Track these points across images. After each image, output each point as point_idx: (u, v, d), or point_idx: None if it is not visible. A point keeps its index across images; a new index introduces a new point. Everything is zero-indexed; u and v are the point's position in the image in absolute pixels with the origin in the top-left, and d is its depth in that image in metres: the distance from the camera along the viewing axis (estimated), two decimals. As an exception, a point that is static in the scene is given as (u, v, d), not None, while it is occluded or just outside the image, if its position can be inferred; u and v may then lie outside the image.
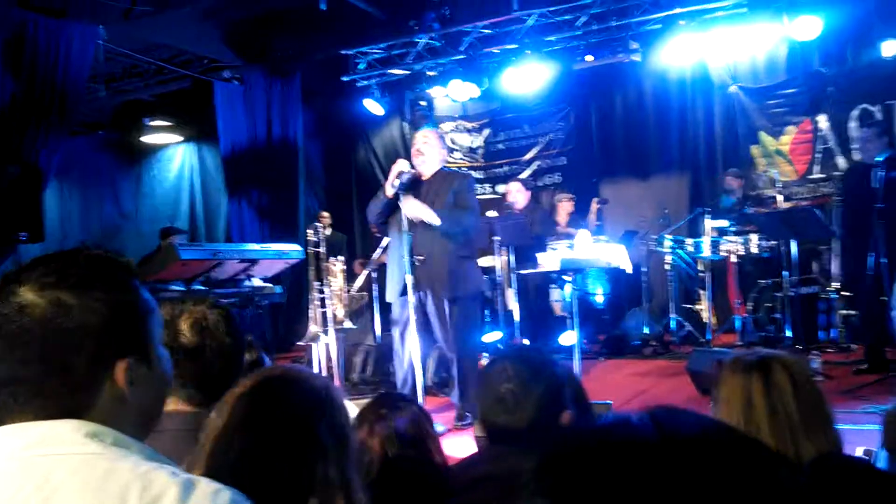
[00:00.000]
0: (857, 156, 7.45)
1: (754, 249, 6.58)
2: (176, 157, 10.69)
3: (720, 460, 0.52)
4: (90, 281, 0.96)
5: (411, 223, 4.18)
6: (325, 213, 8.32)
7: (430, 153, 4.42)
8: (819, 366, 5.07)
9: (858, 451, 2.30)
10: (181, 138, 10.45)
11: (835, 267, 6.41)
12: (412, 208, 4.22)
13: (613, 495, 0.50)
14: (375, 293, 5.96)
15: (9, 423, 0.93)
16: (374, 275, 5.97)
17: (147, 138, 10.27)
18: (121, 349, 0.98)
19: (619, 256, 5.91)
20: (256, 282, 6.47)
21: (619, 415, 0.58)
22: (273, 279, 6.77)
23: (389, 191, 4.27)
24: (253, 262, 6.25)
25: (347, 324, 5.18)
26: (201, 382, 1.65)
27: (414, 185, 4.40)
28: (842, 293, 6.24)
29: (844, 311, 6.22)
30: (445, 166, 4.73)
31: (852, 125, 7.50)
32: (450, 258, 4.28)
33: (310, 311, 5.00)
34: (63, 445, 0.91)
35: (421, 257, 4.15)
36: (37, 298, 0.93)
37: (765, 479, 0.52)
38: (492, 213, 7.01)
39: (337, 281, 5.13)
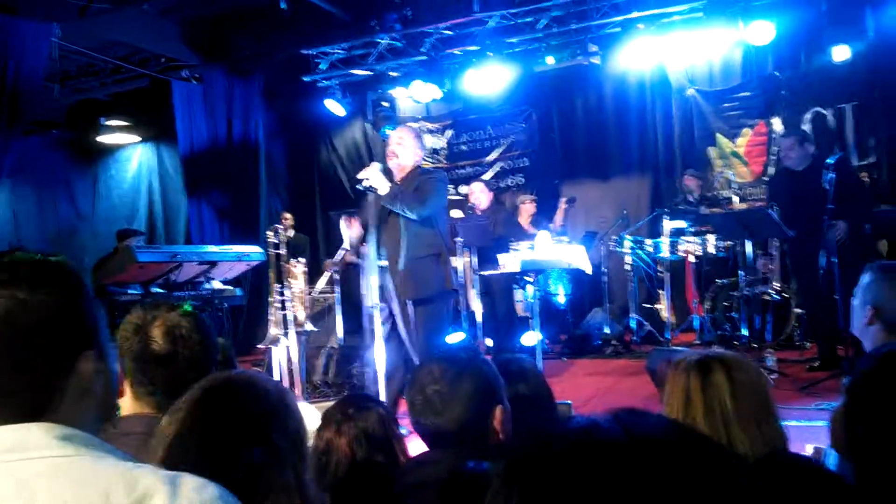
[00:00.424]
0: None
1: (711, 249, 6.71)
2: (134, 158, 10.50)
3: (684, 460, 0.53)
4: (41, 278, 0.96)
5: (378, 222, 4.16)
6: (288, 215, 8.26)
7: (403, 153, 4.38)
8: (773, 363, 5.19)
9: (808, 449, 2.35)
10: (139, 138, 10.26)
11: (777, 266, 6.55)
12: (372, 174, 4.13)
13: (586, 497, 0.51)
14: (338, 295, 5.93)
15: None
16: (336, 276, 5.94)
17: (104, 138, 10.07)
18: (80, 343, 0.98)
19: (579, 257, 5.98)
20: (216, 284, 6.40)
21: (585, 417, 0.58)
22: (233, 281, 6.71)
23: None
24: (213, 264, 6.19)
25: (308, 326, 5.15)
26: (171, 389, 1.63)
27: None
28: (783, 293, 6.37)
29: (798, 310, 6.38)
30: (421, 166, 4.62)
31: (806, 127, 7.69)
32: (411, 258, 4.25)
33: (270, 313, 4.94)
34: (37, 450, 0.90)
35: (393, 258, 4.14)
36: None
37: (726, 478, 0.53)
38: (456, 214, 7.02)
39: (298, 283, 5.09)
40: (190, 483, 0.91)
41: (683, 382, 1.64)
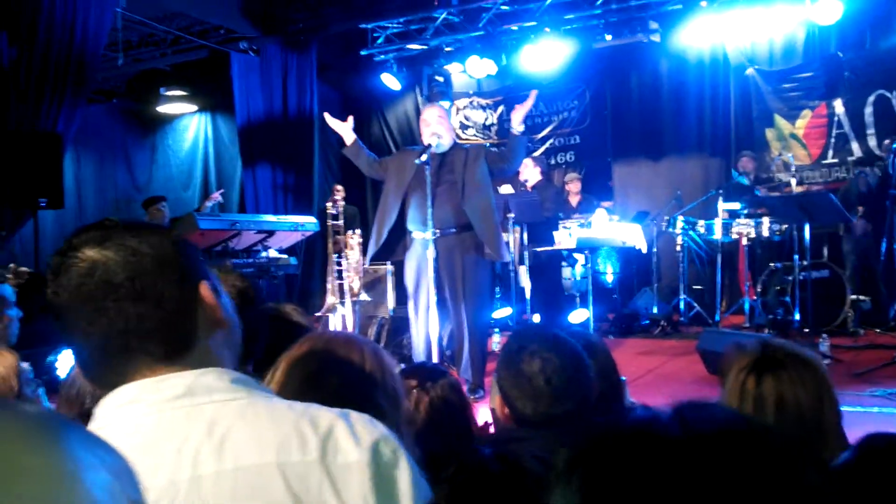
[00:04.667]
0: (871, 141, 7.47)
1: (765, 233, 6.62)
2: (191, 127, 10.71)
3: (745, 457, 0.54)
4: (146, 229, 1.01)
5: (434, 192, 4.21)
6: (339, 187, 8.34)
7: (445, 132, 4.44)
8: (827, 349, 5.14)
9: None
10: (196, 108, 10.46)
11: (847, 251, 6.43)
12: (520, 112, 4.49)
13: (637, 489, 0.54)
14: (390, 266, 6.03)
15: (136, 376, 0.96)
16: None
17: (163, 108, 10.29)
18: (197, 272, 1.02)
19: (634, 236, 5.96)
20: (272, 253, 6.55)
21: (647, 409, 0.61)
22: (288, 251, 6.85)
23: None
24: (270, 233, 6.33)
25: (364, 296, 5.25)
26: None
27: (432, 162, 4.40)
28: (839, 279, 6.26)
29: (854, 297, 6.27)
30: (457, 141, 4.74)
31: (868, 111, 7.49)
32: (468, 228, 4.32)
33: (327, 282, 5.06)
34: (215, 393, 0.95)
35: (438, 231, 4.20)
36: (99, 253, 0.95)
37: (789, 477, 0.54)
38: (506, 189, 7.04)
39: (354, 254, 5.20)
40: (359, 417, 0.98)
41: (738, 385, 1.61)
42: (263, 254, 6.42)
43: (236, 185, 10.04)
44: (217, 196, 7.57)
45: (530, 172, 7.31)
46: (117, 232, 0.97)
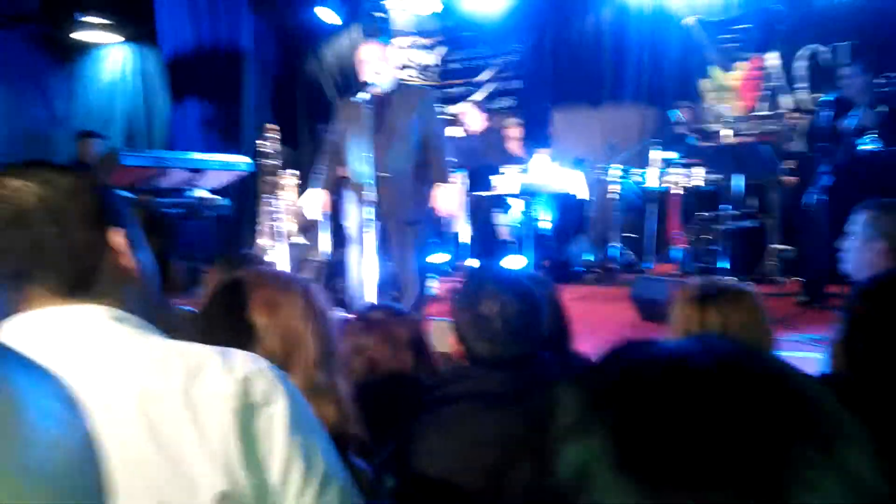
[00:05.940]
0: (802, 94, 7.65)
1: (698, 182, 6.74)
2: (114, 59, 10.11)
3: (768, 381, 0.52)
4: (63, 168, 1.04)
5: (374, 136, 4.07)
6: (273, 126, 8.08)
7: (385, 70, 4.27)
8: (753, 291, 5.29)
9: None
10: (121, 38, 9.86)
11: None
12: (446, 199, 4.19)
13: (680, 426, 0.48)
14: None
15: (31, 306, 0.97)
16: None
17: (82, 36, 9.65)
18: (108, 217, 1.03)
19: (576, 183, 5.97)
20: (202, 193, 6.31)
21: (673, 342, 0.57)
22: (220, 191, 6.61)
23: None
24: (199, 171, 6.08)
25: (298, 238, 5.12)
26: None
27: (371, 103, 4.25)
28: (764, 229, 6.46)
29: (778, 246, 6.48)
30: (402, 80, 4.58)
31: (800, 64, 7.64)
32: (414, 178, 4.23)
33: (259, 224, 4.91)
34: (94, 327, 0.97)
35: (384, 174, 4.08)
36: (23, 183, 0.97)
37: (801, 387, 0.53)
38: (453, 132, 6.92)
39: (288, 195, 5.04)
40: (241, 354, 0.97)
41: (684, 315, 1.70)
42: (193, 193, 6.18)
43: (163, 121, 9.60)
44: None
45: (472, 118, 7.18)
46: (42, 168, 1.01)
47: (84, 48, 9.97)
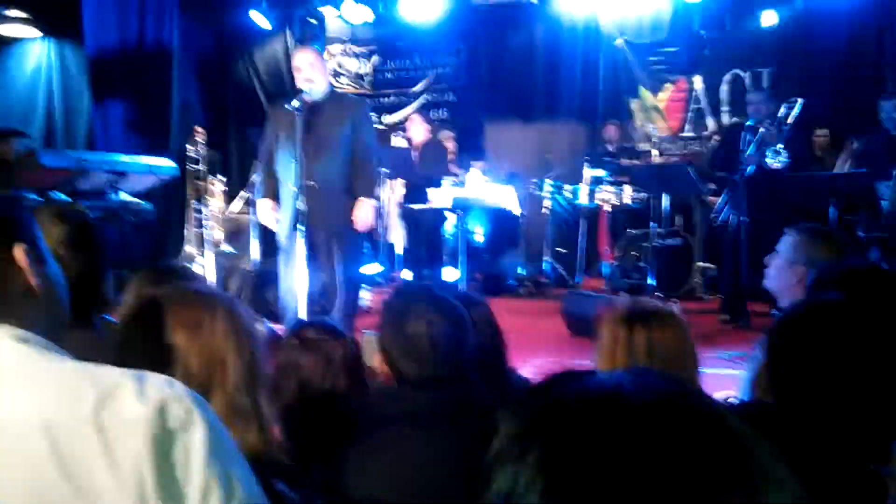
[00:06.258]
0: (725, 118, 7.94)
1: (627, 200, 6.90)
2: (33, 54, 9.67)
3: (696, 417, 0.52)
4: None
5: (304, 145, 3.99)
6: (201, 129, 7.86)
7: (318, 78, 4.21)
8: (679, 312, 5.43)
9: (719, 396, 2.49)
10: (40, 33, 9.45)
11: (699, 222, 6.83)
12: (363, 215, 4.11)
13: (609, 458, 0.49)
14: (254, 216, 5.75)
15: None
16: (253, 197, 5.74)
17: (1, 29, 9.21)
18: (11, 232, 0.98)
19: (508, 198, 6.01)
20: (124, 196, 6.06)
21: (606, 374, 0.57)
22: (143, 196, 6.36)
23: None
24: (121, 174, 5.83)
25: (226, 247, 4.98)
26: None
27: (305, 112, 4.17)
28: (689, 247, 6.67)
29: (702, 264, 6.69)
30: (335, 89, 4.52)
31: (724, 88, 7.94)
32: (344, 190, 4.16)
33: (186, 230, 4.75)
34: None
35: (313, 183, 4.00)
36: None
37: (727, 425, 0.53)
38: (398, 143, 6.86)
39: (216, 201, 4.89)
40: (156, 378, 0.92)
41: (612, 335, 1.72)
42: (115, 196, 5.93)
43: (84, 121, 9.22)
44: None
45: (417, 129, 7.09)
46: None
47: (3, 42, 9.53)
